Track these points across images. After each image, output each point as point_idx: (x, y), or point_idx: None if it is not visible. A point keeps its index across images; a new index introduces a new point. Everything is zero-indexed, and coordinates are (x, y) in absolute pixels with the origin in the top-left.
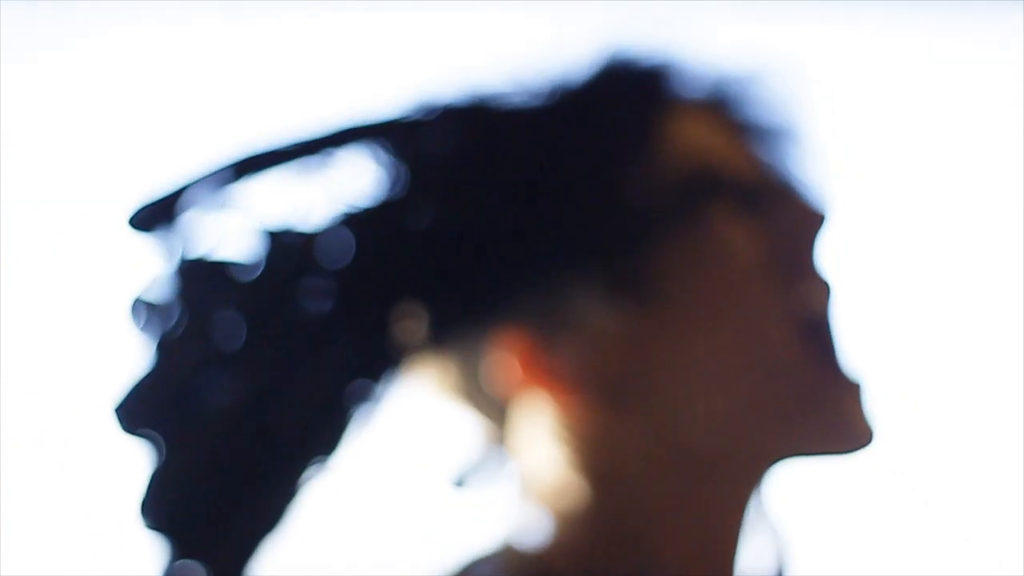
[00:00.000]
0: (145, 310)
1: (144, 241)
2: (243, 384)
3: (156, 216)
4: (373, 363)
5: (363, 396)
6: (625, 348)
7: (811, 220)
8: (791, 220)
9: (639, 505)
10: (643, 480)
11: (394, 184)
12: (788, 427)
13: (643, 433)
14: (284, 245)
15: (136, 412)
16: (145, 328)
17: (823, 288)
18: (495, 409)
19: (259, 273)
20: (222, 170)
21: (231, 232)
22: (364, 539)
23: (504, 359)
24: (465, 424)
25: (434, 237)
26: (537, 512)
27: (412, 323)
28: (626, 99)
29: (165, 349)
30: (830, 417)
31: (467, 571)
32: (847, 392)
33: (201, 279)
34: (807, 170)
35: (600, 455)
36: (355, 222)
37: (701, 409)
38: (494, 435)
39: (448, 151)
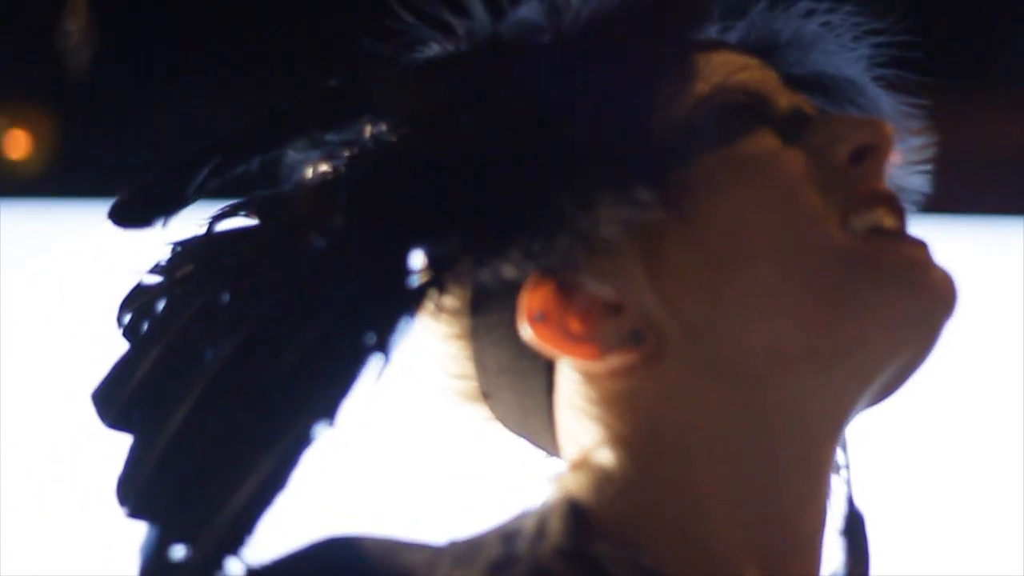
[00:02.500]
0: (129, 309)
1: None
2: (234, 348)
3: (138, 211)
4: (381, 311)
5: (371, 347)
6: (665, 287)
7: (866, 144)
8: (839, 139)
9: (694, 463)
10: (698, 435)
11: (395, 124)
12: (865, 320)
13: (696, 388)
14: (281, 200)
15: (113, 396)
16: (127, 327)
17: (886, 208)
18: (527, 368)
19: (253, 235)
20: (215, 151)
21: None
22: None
23: (532, 312)
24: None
25: (442, 169)
26: (583, 472)
27: (429, 269)
28: (657, 29)
29: (138, 336)
30: (901, 287)
31: (509, 528)
32: (913, 258)
33: (191, 254)
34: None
35: (648, 410)
36: (358, 166)
37: (763, 337)
38: (530, 399)
39: (455, 86)
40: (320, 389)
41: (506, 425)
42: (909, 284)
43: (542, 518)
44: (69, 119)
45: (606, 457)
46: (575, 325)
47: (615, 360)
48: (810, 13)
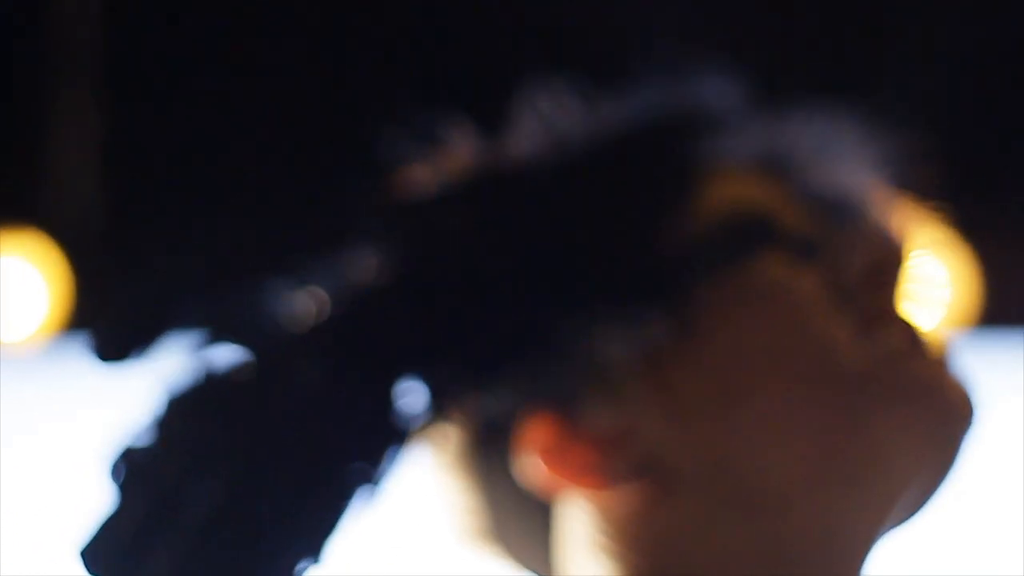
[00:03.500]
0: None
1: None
2: (223, 487)
3: (118, 346)
4: (373, 444)
5: (362, 481)
6: (675, 416)
7: (879, 261)
8: (856, 263)
9: None
10: (721, 569)
11: (389, 252)
12: (882, 444)
13: (715, 518)
14: (267, 335)
15: (104, 550)
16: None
17: (901, 326)
18: (527, 514)
19: (244, 372)
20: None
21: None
22: None
23: (530, 451)
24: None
25: (437, 299)
26: None
27: (419, 399)
28: (666, 152)
29: (135, 476)
30: (917, 410)
31: None
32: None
33: (181, 403)
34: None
35: (667, 544)
36: (350, 299)
37: (780, 465)
38: (540, 534)
39: (461, 215)
40: (309, 525)
41: (515, 561)
42: (925, 406)
43: None
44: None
45: None
46: (581, 457)
47: (623, 493)
48: (820, 126)
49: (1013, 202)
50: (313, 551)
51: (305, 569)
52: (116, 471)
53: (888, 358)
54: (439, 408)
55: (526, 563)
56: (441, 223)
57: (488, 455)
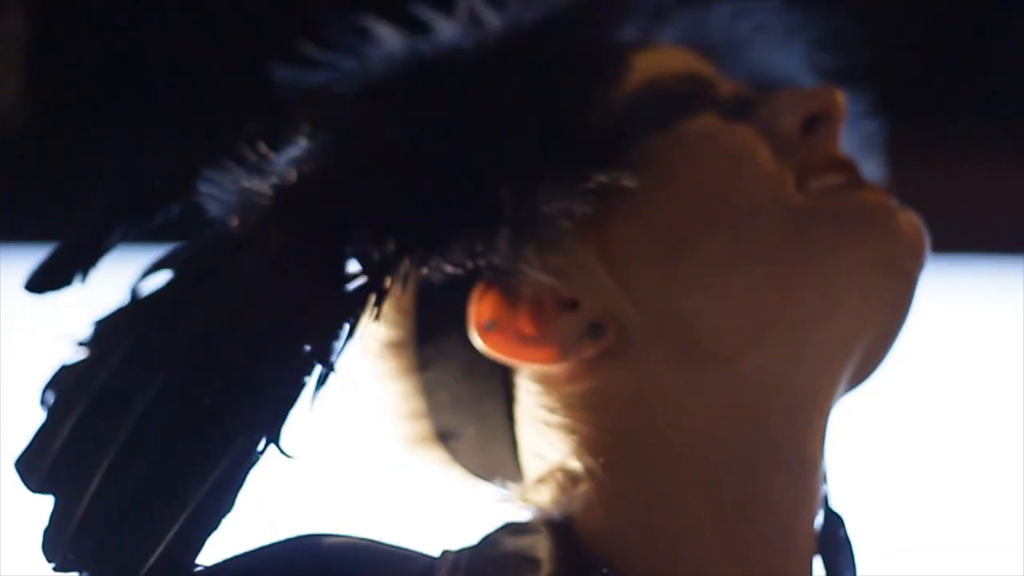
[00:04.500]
0: (56, 383)
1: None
2: (165, 378)
3: (56, 279)
4: (321, 324)
5: (312, 361)
6: (621, 272)
7: (813, 113)
8: (788, 111)
9: (672, 462)
10: (673, 430)
11: (331, 135)
12: (832, 274)
13: (669, 375)
14: (207, 223)
15: (37, 461)
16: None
17: (843, 169)
18: (483, 391)
19: (184, 266)
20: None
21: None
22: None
23: (482, 322)
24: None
25: (381, 174)
26: (550, 486)
27: (367, 273)
28: (590, 29)
29: (69, 388)
30: (862, 231)
31: (484, 545)
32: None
33: (114, 322)
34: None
35: (617, 410)
36: (287, 180)
37: (729, 311)
38: (490, 425)
39: (393, 94)
40: (259, 405)
41: (466, 465)
42: (872, 227)
43: (526, 543)
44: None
45: (576, 467)
46: (528, 328)
47: (576, 358)
48: (742, 13)
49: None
50: (267, 429)
51: (264, 450)
52: (54, 380)
53: (833, 193)
54: (381, 279)
55: (477, 465)
56: (382, 101)
57: (434, 349)
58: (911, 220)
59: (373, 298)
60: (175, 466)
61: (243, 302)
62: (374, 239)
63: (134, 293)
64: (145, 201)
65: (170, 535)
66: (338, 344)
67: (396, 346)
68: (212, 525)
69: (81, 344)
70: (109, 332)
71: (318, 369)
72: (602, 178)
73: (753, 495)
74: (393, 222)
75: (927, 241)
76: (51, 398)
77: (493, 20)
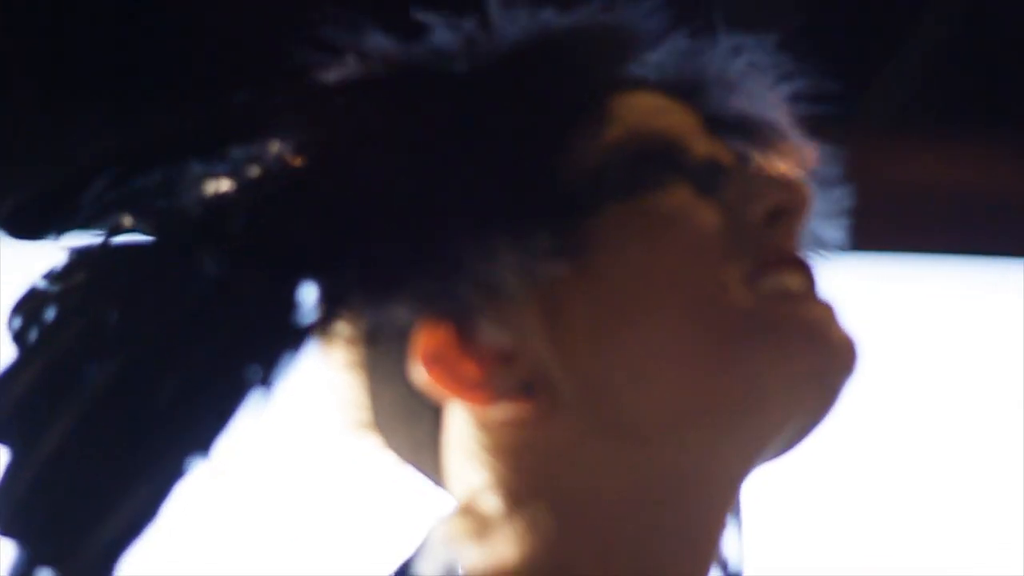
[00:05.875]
0: (20, 314)
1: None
2: (115, 370)
3: (31, 221)
4: (267, 345)
5: (254, 382)
6: (561, 338)
7: (781, 204)
8: (755, 198)
9: (576, 525)
10: (581, 495)
11: (296, 151)
12: (762, 381)
13: (590, 443)
14: (172, 220)
15: None
16: (17, 332)
17: (795, 270)
18: (420, 404)
19: (147, 252)
20: (108, 166)
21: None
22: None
23: (426, 354)
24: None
25: (339, 204)
26: (467, 518)
27: (319, 304)
28: (574, 68)
29: (26, 344)
30: (799, 348)
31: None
32: (813, 322)
33: (85, 265)
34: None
35: (536, 464)
36: (251, 193)
37: (657, 396)
38: (422, 435)
39: (360, 116)
40: (198, 421)
41: (399, 455)
42: (811, 345)
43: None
44: None
45: (491, 504)
46: (469, 370)
47: (505, 409)
48: (734, 51)
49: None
50: (202, 446)
51: (193, 464)
52: (19, 327)
53: (776, 299)
54: (335, 311)
55: (408, 459)
56: (346, 128)
57: (380, 356)
58: (845, 338)
59: (321, 328)
60: (118, 460)
61: (197, 308)
62: (331, 270)
63: (105, 248)
64: (131, 160)
65: (102, 530)
66: (283, 370)
67: (346, 340)
68: (137, 531)
69: (53, 275)
70: (78, 280)
71: (259, 388)
72: (562, 239)
73: (647, 562)
74: (351, 256)
75: (857, 355)
76: (17, 326)
77: (467, 45)
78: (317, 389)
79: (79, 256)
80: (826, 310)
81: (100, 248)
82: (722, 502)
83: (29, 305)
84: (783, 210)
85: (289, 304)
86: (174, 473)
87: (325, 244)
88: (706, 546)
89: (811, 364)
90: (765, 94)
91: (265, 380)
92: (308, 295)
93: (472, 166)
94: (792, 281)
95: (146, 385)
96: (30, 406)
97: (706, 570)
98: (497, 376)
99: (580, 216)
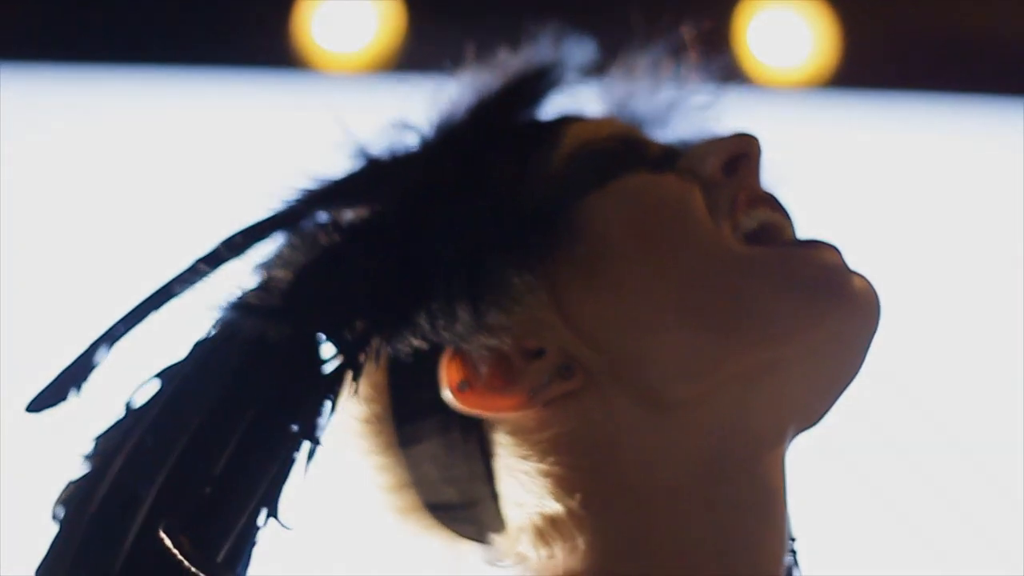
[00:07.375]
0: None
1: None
2: (169, 468)
3: (58, 395)
4: (303, 402)
5: (299, 438)
6: (578, 320)
7: (734, 155)
8: (707, 156)
9: (644, 500)
10: (639, 472)
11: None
12: (784, 344)
13: (626, 409)
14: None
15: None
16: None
17: (766, 199)
18: (460, 451)
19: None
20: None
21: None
22: None
23: (454, 383)
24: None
25: (345, 264)
26: (534, 532)
27: (340, 354)
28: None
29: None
30: (809, 291)
31: None
32: (820, 262)
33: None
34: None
35: (586, 448)
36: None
37: (678, 356)
38: (471, 484)
39: (360, 197)
40: (256, 486)
41: (453, 529)
42: (829, 297)
43: None
44: None
45: (553, 508)
46: (497, 381)
47: (544, 403)
48: (661, 88)
49: None
50: (267, 503)
51: (262, 521)
52: (63, 496)
53: (782, 252)
54: (354, 356)
55: (458, 531)
56: (337, 197)
57: (407, 424)
58: (865, 284)
59: (350, 374)
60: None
61: (229, 395)
62: (344, 322)
63: (128, 406)
64: (126, 322)
65: None
66: (322, 420)
67: (375, 422)
68: None
69: (84, 458)
70: (108, 443)
71: (306, 445)
72: (546, 241)
73: (723, 536)
74: (360, 306)
75: (879, 304)
76: (61, 513)
77: (433, 115)
78: (359, 494)
79: (102, 437)
80: (834, 252)
81: (126, 413)
82: (772, 455)
83: (69, 496)
84: (736, 156)
85: (312, 359)
86: (247, 536)
87: (335, 299)
88: (776, 501)
89: (837, 327)
90: (698, 122)
91: (307, 432)
92: (328, 350)
93: (453, 203)
94: (769, 214)
95: (201, 472)
96: (88, 556)
97: (783, 526)
98: (531, 372)
99: (559, 213)
